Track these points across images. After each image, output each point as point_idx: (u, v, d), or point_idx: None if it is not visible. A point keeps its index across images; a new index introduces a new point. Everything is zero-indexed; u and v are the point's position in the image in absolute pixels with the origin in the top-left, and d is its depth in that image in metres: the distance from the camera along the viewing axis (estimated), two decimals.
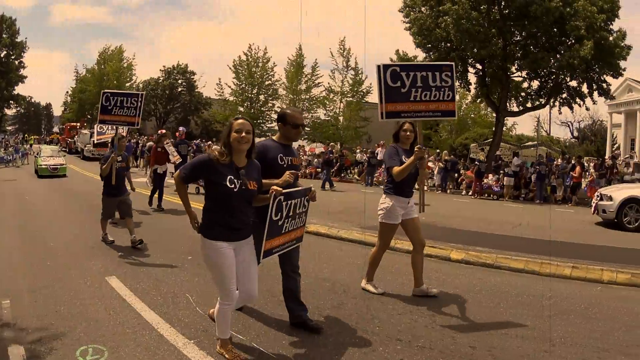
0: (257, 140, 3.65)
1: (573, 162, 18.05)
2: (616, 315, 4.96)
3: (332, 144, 27.91)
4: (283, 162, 4.00)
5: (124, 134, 8.46)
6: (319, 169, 23.43)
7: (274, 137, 4.22)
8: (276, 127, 4.25)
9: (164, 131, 12.44)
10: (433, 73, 4.81)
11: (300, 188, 3.89)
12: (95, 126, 29.42)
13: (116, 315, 4.36)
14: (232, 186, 3.36)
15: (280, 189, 3.53)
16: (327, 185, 18.82)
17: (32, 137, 56.96)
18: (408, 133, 4.96)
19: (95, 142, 29.95)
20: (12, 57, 48.25)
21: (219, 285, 3.50)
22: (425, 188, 15.40)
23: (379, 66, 4.80)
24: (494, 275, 6.40)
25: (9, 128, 75.87)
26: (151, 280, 5.48)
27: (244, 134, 3.39)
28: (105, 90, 8.78)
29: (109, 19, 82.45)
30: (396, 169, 4.76)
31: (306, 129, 35.83)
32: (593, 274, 6.29)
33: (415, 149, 4.68)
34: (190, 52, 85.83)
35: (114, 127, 9.49)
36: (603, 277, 6.19)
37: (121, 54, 50.07)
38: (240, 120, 3.48)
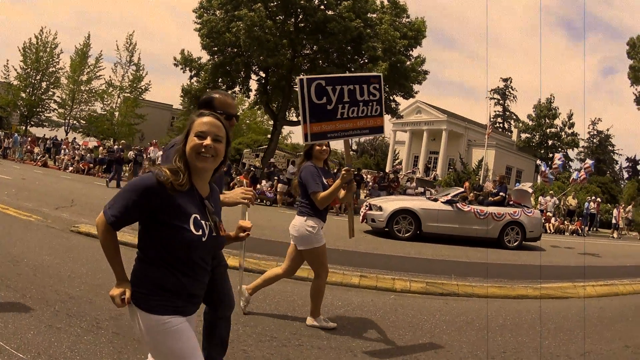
0: None
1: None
2: (417, 323, 5.12)
3: (122, 141, 25.84)
4: None
5: None
6: (91, 164, 24.09)
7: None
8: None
9: None
10: (361, 86, 4.42)
11: None
12: None
13: None
14: (199, 233, 2.02)
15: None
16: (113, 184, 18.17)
17: None
18: (324, 148, 4.61)
19: None
20: None
21: None
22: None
23: (301, 80, 4.15)
24: (274, 284, 5.95)
25: None
26: None
27: (208, 142, 2.04)
28: None
29: None
30: (321, 195, 4.39)
31: (82, 121, 37.50)
32: (384, 283, 6.48)
33: (343, 171, 4.28)
34: None
35: None
36: (395, 286, 6.40)
37: None
38: (206, 119, 2.10)
